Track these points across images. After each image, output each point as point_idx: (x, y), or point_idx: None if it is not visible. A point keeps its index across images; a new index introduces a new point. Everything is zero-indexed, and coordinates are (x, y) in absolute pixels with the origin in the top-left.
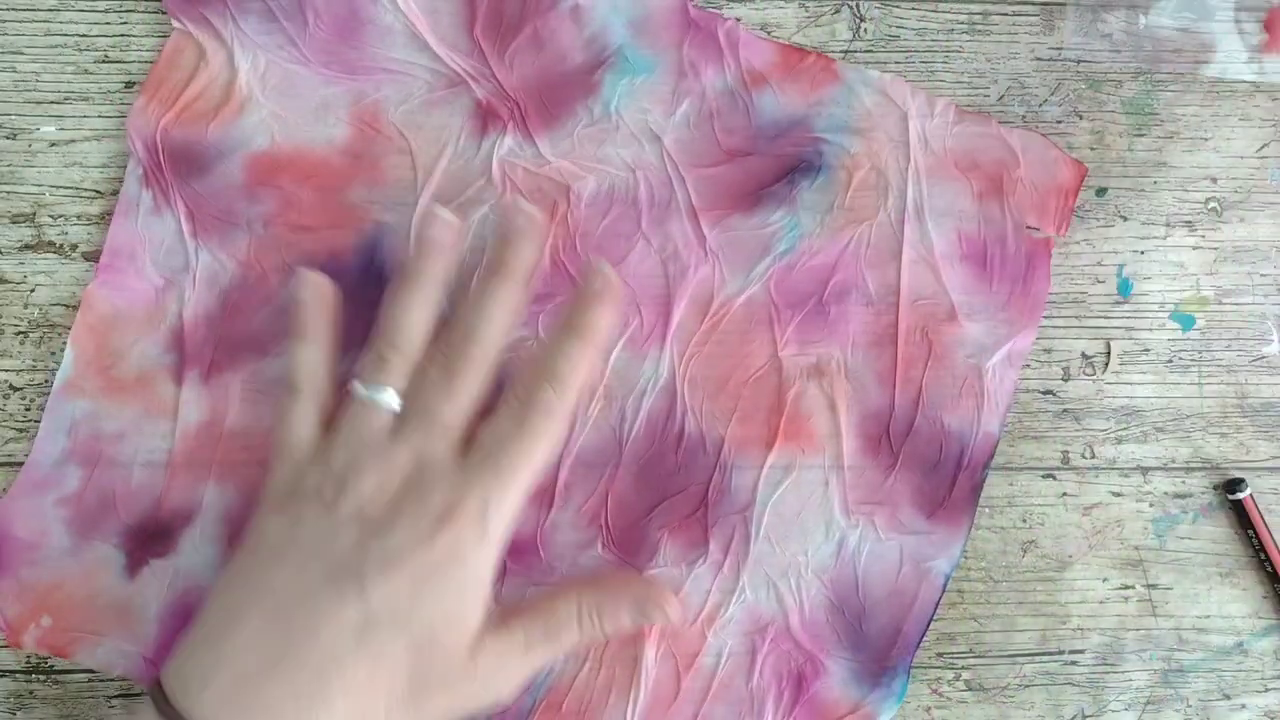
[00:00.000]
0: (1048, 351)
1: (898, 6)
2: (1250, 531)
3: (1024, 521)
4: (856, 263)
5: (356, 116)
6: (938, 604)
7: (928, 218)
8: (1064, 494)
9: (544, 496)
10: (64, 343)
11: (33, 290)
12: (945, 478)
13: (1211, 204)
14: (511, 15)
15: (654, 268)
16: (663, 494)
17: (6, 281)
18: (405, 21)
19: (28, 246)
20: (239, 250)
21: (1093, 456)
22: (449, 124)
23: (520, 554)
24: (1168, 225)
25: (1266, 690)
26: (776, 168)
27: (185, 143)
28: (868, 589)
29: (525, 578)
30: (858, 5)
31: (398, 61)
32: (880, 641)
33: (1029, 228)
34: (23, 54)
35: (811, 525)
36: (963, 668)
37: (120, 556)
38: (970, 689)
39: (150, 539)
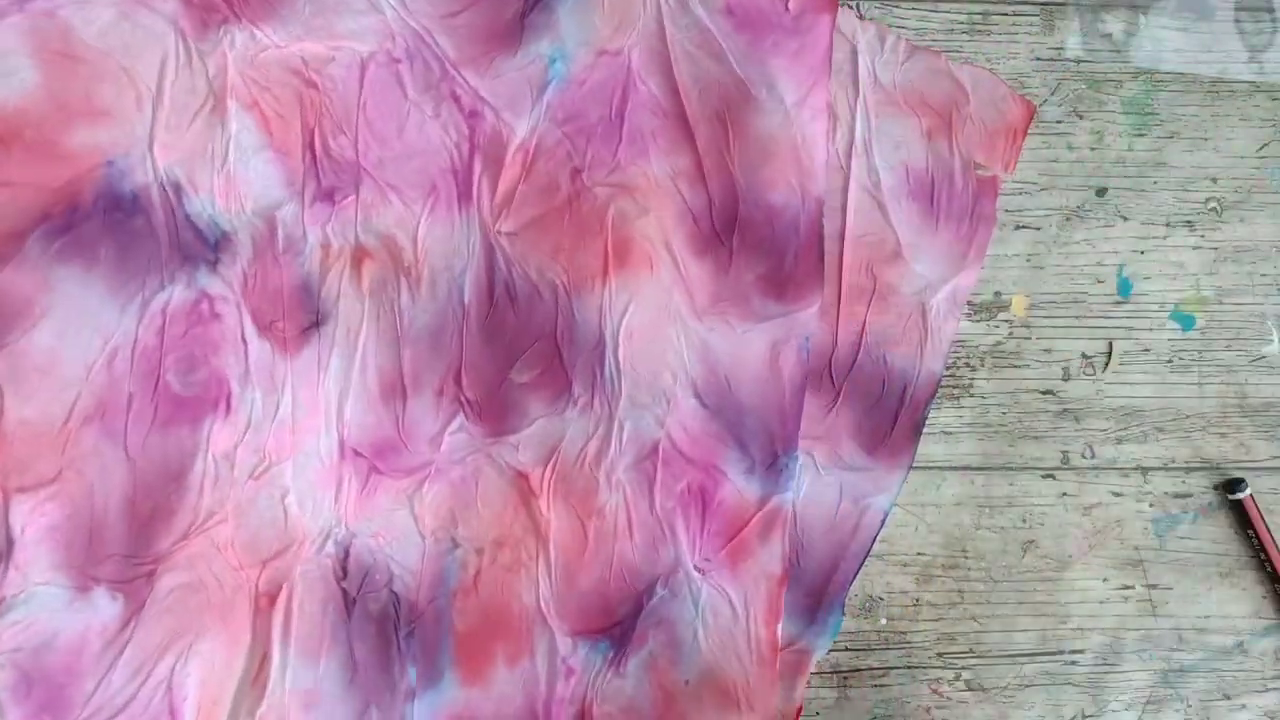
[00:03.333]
0: (1048, 351)
1: (897, 6)
2: (1250, 531)
3: (1024, 521)
4: (638, 74)
5: (41, 50)
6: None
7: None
8: (1064, 494)
9: (392, 392)
10: None
11: None
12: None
13: (1211, 204)
14: None
15: (436, 135)
16: (514, 352)
17: None
18: None
19: None
20: None
21: (1093, 456)
22: (159, 30)
23: (385, 455)
24: (1168, 225)
25: (1266, 690)
26: None
27: None
28: (740, 387)
29: (399, 477)
30: (857, 5)
31: None
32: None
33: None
34: None
35: (666, 339)
36: (963, 668)
37: None
38: (970, 689)
39: None
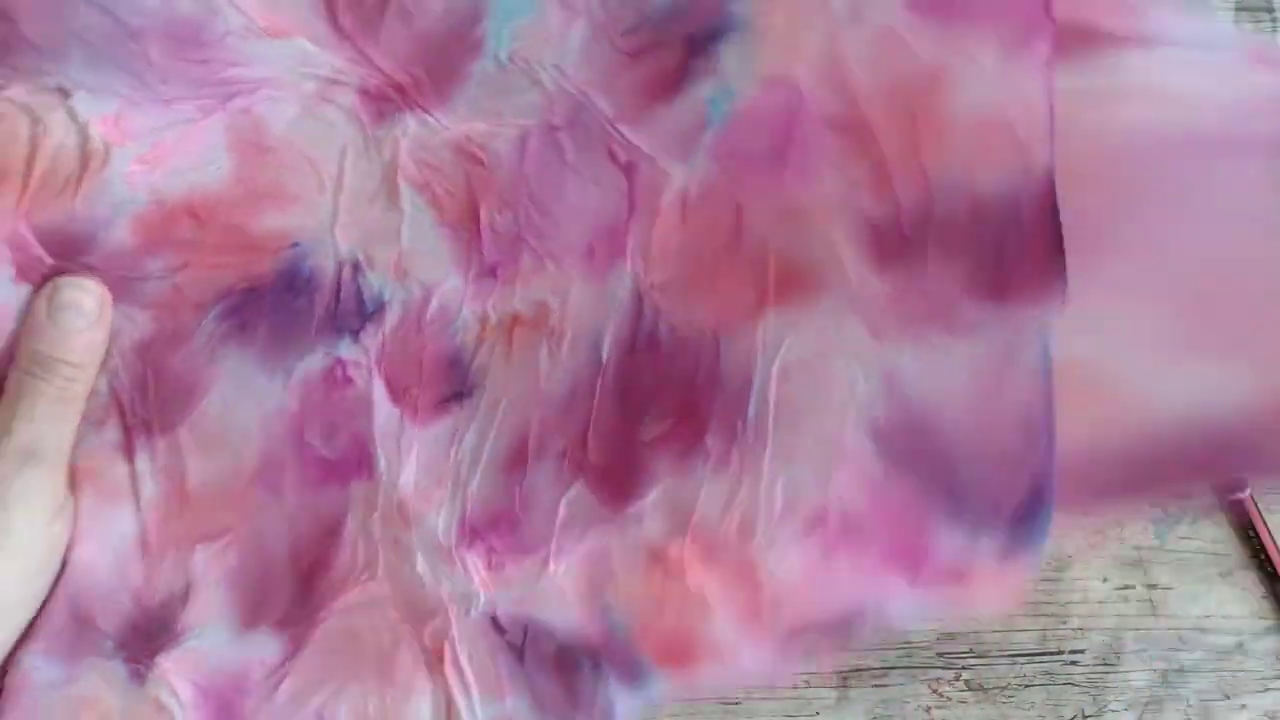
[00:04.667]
0: None
1: None
2: (1250, 531)
3: None
4: (803, 94)
5: (236, 142)
6: (1051, 391)
7: None
8: None
9: (517, 459)
10: None
11: None
12: (999, 245)
13: None
14: None
15: (595, 196)
16: (648, 406)
17: None
18: (249, 21)
19: None
20: (147, 298)
21: None
22: (339, 121)
23: (501, 529)
24: None
25: (1266, 690)
26: (686, 45)
27: (55, 226)
28: (942, 419)
29: (520, 558)
30: None
31: (260, 70)
32: (987, 480)
33: None
34: None
35: (834, 374)
36: (963, 668)
37: (120, 666)
38: (970, 689)
39: (148, 635)
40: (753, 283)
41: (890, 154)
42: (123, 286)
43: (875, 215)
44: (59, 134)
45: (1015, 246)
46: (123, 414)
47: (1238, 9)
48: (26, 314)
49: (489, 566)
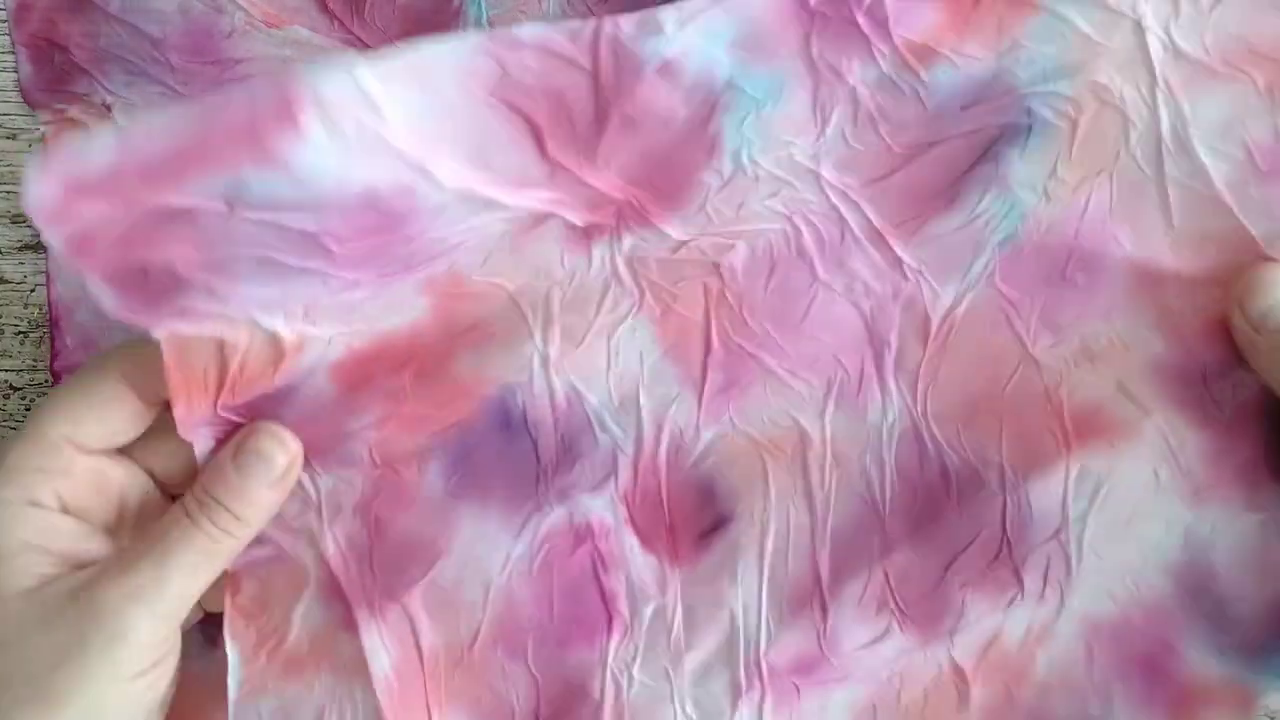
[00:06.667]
0: None
1: None
2: None
3: None
4: (1101, 221)
5: (432, 290)
6: None
7: (1195, 144)
8: None
9: (808, 599)
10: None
11: (33, 290)
12: None
13: None
14: (586, 114)
15: (846, 312)
16: (951, 548)
17: (6, 281)
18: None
19: (28, 246)
20: (361, 462)
21: None
22: (544, 253)
23: (806, 670)
24: None
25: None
26: (972, 148)
27: (255, 402)
28: (1229, 574)
29: (815, 687)
30: None
31: (464, 230)
32: (1252, 618)
33: None
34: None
35: (1147, 526)
36: None
37: None
38: None
39: None
40: (1046, 423)
41: (1196, 313)
42: (329, 448)
43: (1171, 361)
44: (245, 339)
45: None
46: (340, 588)
47: None
48: (211, 457)
49: (779, 702)
